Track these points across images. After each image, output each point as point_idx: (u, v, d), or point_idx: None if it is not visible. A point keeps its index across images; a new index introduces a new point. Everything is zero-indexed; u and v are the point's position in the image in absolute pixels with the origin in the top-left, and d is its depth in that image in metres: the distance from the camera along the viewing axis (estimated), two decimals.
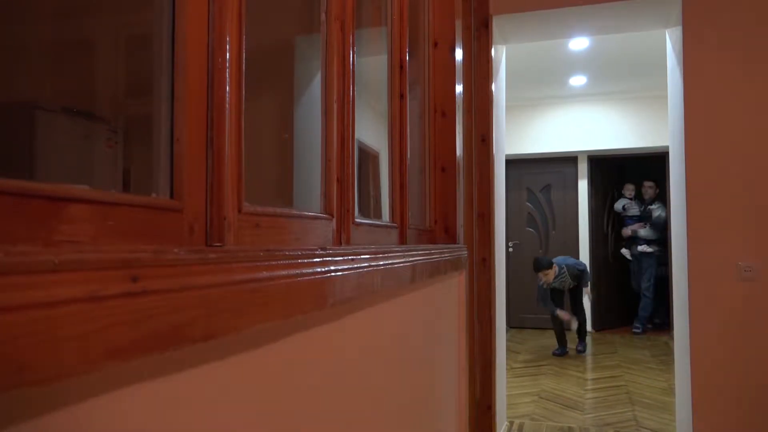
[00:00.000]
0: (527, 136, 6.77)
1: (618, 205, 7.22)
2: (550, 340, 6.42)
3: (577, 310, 5.81)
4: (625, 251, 7.22)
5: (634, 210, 7.13)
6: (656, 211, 6.92)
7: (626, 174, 7.45)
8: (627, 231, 7.07)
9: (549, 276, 5.57)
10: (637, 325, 6.89)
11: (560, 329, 5.81)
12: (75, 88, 0.95)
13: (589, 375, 4.78)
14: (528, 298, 7.09)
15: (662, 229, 6.74)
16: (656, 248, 6.87)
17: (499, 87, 3.32)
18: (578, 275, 5.70)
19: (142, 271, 0.47)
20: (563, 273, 5.65)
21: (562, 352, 5.77)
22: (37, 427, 0.43)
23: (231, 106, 0.80)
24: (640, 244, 6.93)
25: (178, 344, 0.52)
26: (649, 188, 7.05)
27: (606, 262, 7.19)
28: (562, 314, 5.64)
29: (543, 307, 5.83)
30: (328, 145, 1.22)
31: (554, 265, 5.62)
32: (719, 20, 2.74)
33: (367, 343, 1.21)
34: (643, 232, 6.88)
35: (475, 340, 2.75)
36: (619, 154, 6.72)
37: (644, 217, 7.02)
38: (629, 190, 7.26)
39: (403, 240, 1.74)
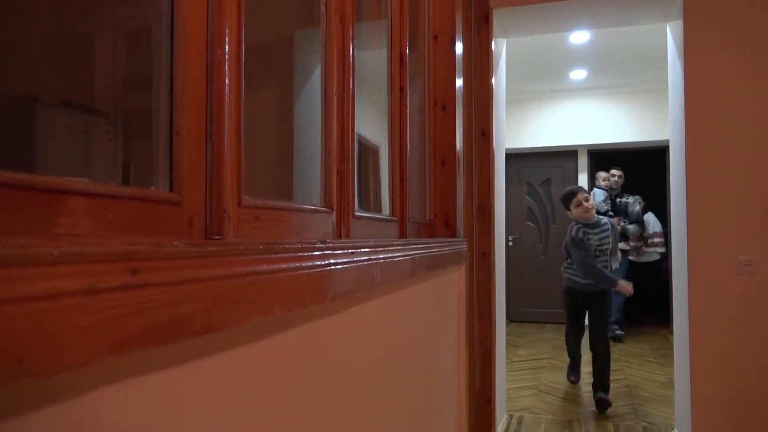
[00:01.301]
0: (527, 130, 6.76)
1: (601, 201, 6.10)
2: (549, 333, 6.44)
3: (599, 335, 3.78)
4: None
5: (607, 203, 6.19)
6: (633, 205, 6.13)
7: (629, 168, 7.35)
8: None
9: (588, 205, 3.70)
10: (616, 327, 6.11)
11: (575, 347, 4.29)
12: (74, 81, 0.95)
13: (589, 368, 4.79)
14: (528, 292, 7.09)
15: (643, 225, 6.25)
16: (628, 246, 6.19)
17: (500, 80, 3.32)
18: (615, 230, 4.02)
19: (142, 264, 0.47)
20: (605, 227, 3.81)
21: (574, 374, 4.39)
22: (37, 421, 0.43)
23: (230, 99, 0.79)
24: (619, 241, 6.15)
25: (178, 337, 0.52)
26: (619, 177, 6.14)
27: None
28: (624, 286, 3.64)
29: (592, 275, 3.67)
30: (328, 139, 1.22)
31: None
32: (720, 14, 2.73)
33: (367, 336, 1.21)
34: (633, 228, 6.10)
35: (474, 334, 2.75)
36: (620, 148, 6.71)
37: (618, 212, 6.14)
38: (603, 179, 6.25)
39: (403, 233, 1.74)
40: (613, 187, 6.16)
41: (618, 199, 6.21)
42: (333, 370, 1.02)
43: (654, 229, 6.31)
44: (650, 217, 6.38)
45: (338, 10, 1.27)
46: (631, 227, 6.13)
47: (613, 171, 6.19)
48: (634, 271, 6.28)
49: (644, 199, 6.53)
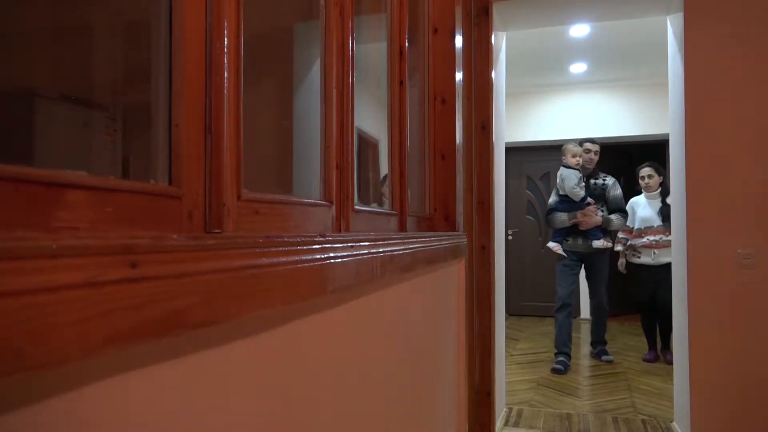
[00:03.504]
0: (527, 124, 6.76)
1: (575, 185, 4.53)
2: (549, 327, 6.44)
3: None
4: (554, 245, 4.64)
5: (582, 187, 4.62)
6: (614, 188, 4.66)
7: (630, 162, 7.30)
8: (595, 217, 4.50)
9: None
10: (607, 350, 4.85)
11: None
12: (73, 75, 0.94)
13: (588, 362, 4.80)
14: (527, 286, 7.10)
15: (626, 213, 4.74)
16: (610, 242, 4.64)
17: (499, 74, 3.31)
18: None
19: (141, 257, 0.47)
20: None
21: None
22: (36, 414, 0.43)
23: (229, 92, 0.79)
24: (597, 238, 4.51)
25: (178, 330, 0.52)
26: (595, 154, 4.74)
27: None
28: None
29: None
30: (327, 132, 1.22)
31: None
32: (721, 6, 2.72)
33: (367, 329, 1.21)
34: (616, 218, 4.59)
35: (474, 327, 2.76)
36: (620, 141, 6.70)
37: (594, 197, 4.62)
38: (574, 155, 4.65)
39: (402, 227, 1.74)
40: (587, 165, 4.70)
41: (592, 180, 4.70)
42: (333, 363, 1.02)
43: None
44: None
45: (338, 3, 1.26)
46: (613, 217, 4.60)
47: (588, 145, 4.73)
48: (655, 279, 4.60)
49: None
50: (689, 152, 2.76)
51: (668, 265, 4.00)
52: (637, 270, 4.76)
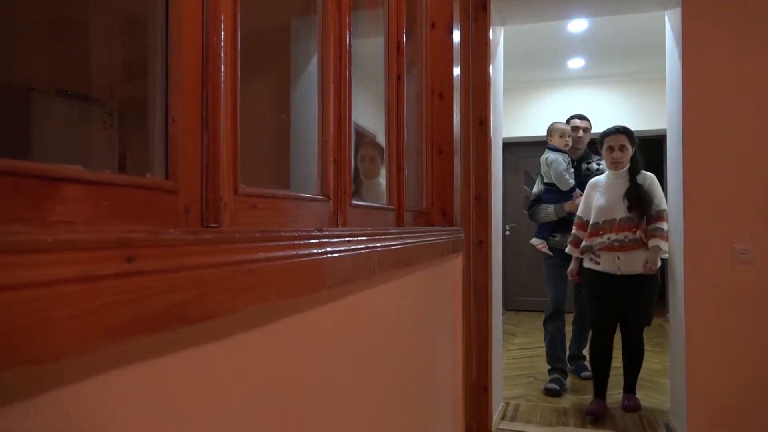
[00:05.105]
0: (525, 119, 6.75)
1: (564, 170, 3.75)
2: None
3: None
4: (538, 242, 3.87)
5: (570, 172, 3.81)
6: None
7: None
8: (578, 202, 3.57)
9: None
10: (587, 366, 3.92)
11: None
12: (70, 70, 0.94)
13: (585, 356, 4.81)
14: (525, 281, 7.11)
15: None
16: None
17: (497, 69, 3.30)
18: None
19: (137, 251, 0.47)
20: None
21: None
22: (32, 408, 0.43)
23: (226, 86, 0.79)
24: None
25: (174, 325, 0.52)
26: (585, 131, 3.95)
27: None
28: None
29: None
30: (325, 126, 1.22)
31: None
32: (719, 1, 2.72)
33: (364, 324, 1.22)
34: None
35: (471, 322, 2.76)
36: None
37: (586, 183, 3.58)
38: (561, 134, 3.84)
39: (400, 222, 1.74)
40: (576, 146, 3.90)
41: (584, 165, 3.88)
42: (329, 359, 1.02)
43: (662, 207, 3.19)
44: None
45: None
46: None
47: (576, 121, 3.92)
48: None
49: None
50: (686, 147, 2.76)
51: (639, 278, 3.09)
52: (594, 279, 3.26)
